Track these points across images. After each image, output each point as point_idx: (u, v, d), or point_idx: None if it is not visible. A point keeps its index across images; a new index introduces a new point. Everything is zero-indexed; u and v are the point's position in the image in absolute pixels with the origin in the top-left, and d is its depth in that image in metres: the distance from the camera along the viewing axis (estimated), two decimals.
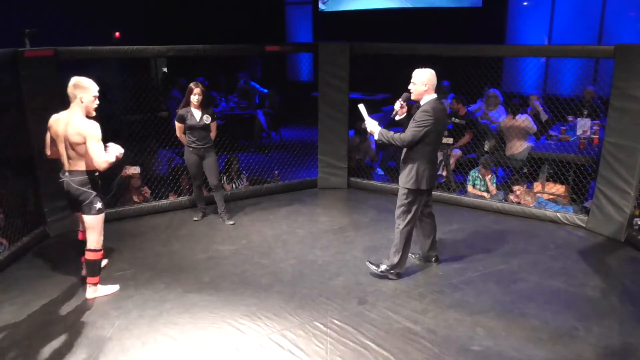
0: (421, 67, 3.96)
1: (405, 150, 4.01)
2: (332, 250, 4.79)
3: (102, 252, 3.91)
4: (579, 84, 7.54)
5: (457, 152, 6.66)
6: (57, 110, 4.08)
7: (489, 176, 6.07)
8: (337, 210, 5.91)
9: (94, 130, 3.64)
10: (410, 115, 4.07)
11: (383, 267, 4.21)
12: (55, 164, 4.94)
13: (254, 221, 5.54)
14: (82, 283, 4.17)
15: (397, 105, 4.05)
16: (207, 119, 5.19)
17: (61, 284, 4.16)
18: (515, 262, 4.53)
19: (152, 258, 4.65)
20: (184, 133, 5.29)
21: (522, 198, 5.73)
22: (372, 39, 8.17)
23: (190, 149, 5.26)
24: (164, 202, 5.85)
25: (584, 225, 5.27)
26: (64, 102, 5.04)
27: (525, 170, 6.18)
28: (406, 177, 4.00)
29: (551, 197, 5.93)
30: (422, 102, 3.93)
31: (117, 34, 9.59)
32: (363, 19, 10.64)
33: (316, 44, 6.44)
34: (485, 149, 6.66)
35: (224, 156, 6.52)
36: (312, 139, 6.83)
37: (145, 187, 5.97)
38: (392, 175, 6.83)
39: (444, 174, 6.58)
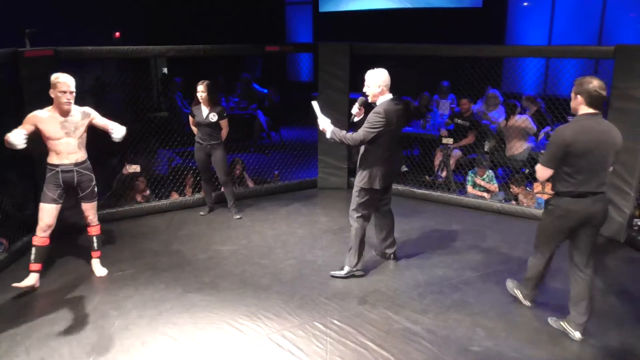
0: (376, 67, 3.94)
1: (361, 150, 4.04)
2: (332, 250, 4.79)
3: (36, 237, 4.00)
4: None
5: (457, 153, 6.66)
6: None
7: (484, 175, 6.08)
8: (337, 210, 5.91)
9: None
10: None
11: (346, 269, 4.23)
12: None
13: (254, 221, 5.54)
14: (81, 283, 4.18)
15: (355, 108, 4.10)
16: (213, 117, 5.26)
17: (61, 284, 4.16)
18: (515, 263, 4.53)
19: (152, 258, 4.65)
20: None
21: (522, 200, 5.73)
22: (372, 39, 8.18)
23: (198, 145, 5.39)
24: (164, 202, 5.85)
25: None
26: None
27: (526, 170, 6.17)
28: (360, 177, 4.03)
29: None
30: (377, 103, 3.92)
31: (117, 34, 9.58)
32: (363, 19, 10.64)
33: (316, 44, 6.45)
34: (485, 150, 6.67)
35: (229, 158, 6.51)
36: (312, 139, 6.84)
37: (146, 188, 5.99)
38: None
39: (444, 174, 6.58)
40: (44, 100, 4.57)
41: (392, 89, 3.97)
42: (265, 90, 9.42)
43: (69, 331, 3.50)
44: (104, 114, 4.26)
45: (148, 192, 5.95)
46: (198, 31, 9.68)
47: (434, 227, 5.34)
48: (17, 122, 4.73)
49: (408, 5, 10.21)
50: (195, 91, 5.30)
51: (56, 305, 3.84)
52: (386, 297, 3.96)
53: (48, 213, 3.96)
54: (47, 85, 3.88)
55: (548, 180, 3.41)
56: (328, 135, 4.02)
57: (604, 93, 3.17)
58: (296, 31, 12.37)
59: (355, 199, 4.12)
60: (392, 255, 4.51)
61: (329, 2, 11.40)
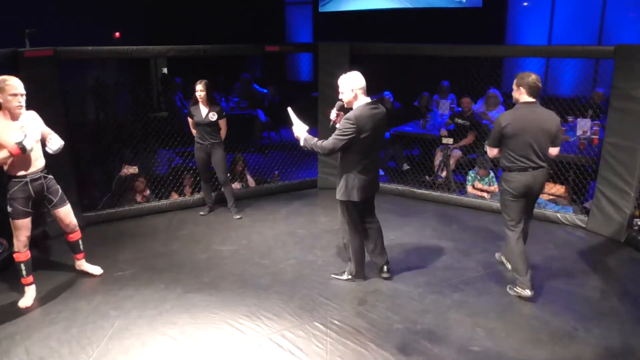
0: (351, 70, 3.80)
1: (338, 159, 3.89)
2: (332, 250, 4.79)
3: (19, 253, 3.81)
4: (579, 84, 7.54)
5: (457, 153, 6.66)
6: (57, 110, 4.07)
7: (485, 176, 6.08)
8: (337, 210, 5.86)
9: None
10: None
11: (346, 276, 4.19)
12: (57, 165, 4.92)
13: (254, 221, 5.54)
14: (81, 283, 4.18)
15: (333, 114, 3.94)
16: (212, 117, 5.27)
17: (61, 284, 4.16)
18: None
19: (152, 258, 4.65)
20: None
21: None
22: (372, 39, 8.18)
23: (198, 145, 5.38)
24: (164, 202, 5.85)
25: (584, 225, 5.27)
26: (64, 102, 5.05)
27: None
28: (338, 188, 3.89)
29: (551, 197, 5.92)
30: (354, 108, 3.74)
31: (117, 34, 9.57)
32: (363, 19, 10.62)
33: (316, 44, 6.45)
34: (485, 150, 6.66)
35: (230, 157, 6.50)
36: None
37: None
38: (392, 175, 6.83)
39: (444, 174, 6.58)
40: (44, 101, 4.57)
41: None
42: (266, 90, 9.42)
43: (69, 331, 3.50)
44: (106, 114, 4.25)
45: (148, 192, 5.96)
46: (198, 31, 9.67)
47: (434, 227, 5.34)
48: None
49: (408, 5, 10.20)
50: (194, 91, 5.30)
51: (56, 305, 3.85)
52: (386, 297, 3.95)
53: (25, 227, 3.78)
54: (47, 85, 3.85)
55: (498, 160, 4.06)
56: (301, 143, 3.86)
57: (540, 84, 3.79)
58: (296, 31, 12.36)
59: (339, 212, 4.01)
60: (384, 267, 4.17)
61: (329, 2, 11.39)
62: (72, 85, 4.15)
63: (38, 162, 3.81)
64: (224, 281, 4.22)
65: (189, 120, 5.44)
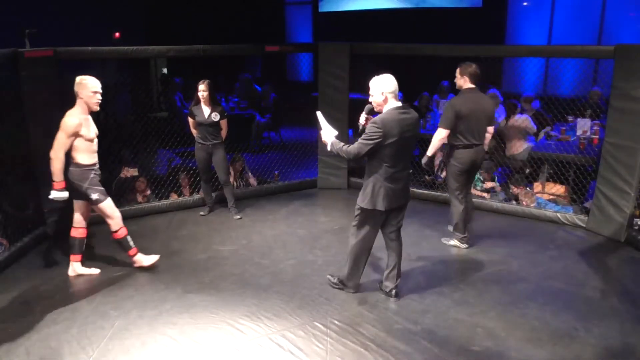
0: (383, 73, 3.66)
1: (365, 166, 3.71)
2: (332, 250, 4.79)
3: (118, 231, 4.22)
4: (579, 84, 7.54)
5: None
6: (56, 110, 4.07)
7: (489, 178, 6.09)
8: (337, 210, 5.91)
9: (64, 122, 3.85)
10: None
11: (337, 279, 4.07)
12: None
13: (254, 221, 5.54)
14: (81, 283, 4.18)
15: (362, 118, 3.85)
16: (215, 117, 5.28)
17: (61, 285, 4.16)
18: (515, 263, 4.53)
19: None
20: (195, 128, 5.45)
21: (522, 200, 5.73)
22: (372, 39, 8.18)
23: (199, 145, 5.37)
24: (164, 202, 5.85)
25: (584, 225, 5.27)
26: (63, 102, 5.04)
27: (528, 170, 6.17)
28: (361, 195, 3.68)
29: (551, 197, 5.92)
30: (383, 112, 3.59)
31: (117, 34, 9.58)
32: (363, 19, 10.64)
33: (316, 44, 6.45)
34: (485, 150, 6.64)
35: (229, 156, 6.50)
36: (312, 139, 6.83)
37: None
38: None
39: (444, 174, 6.58)
40: (44, 101, 4.56)
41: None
42: (260, 89, 9.39)
43: (69, 331, 3.50)
44: (106, 114, 4.27)
45: (149, 192, 5.95)
46: (198, 31, 9.68)
47: (433, 227, 5.34)
48: (17, 123, 4.76)
49: (408, 5, 10.21)
50: (195, 91, 5.30)
51: (56, 305, 3.84)
52: (386, 297, 3.95)
53: (113, 205, 4.17)
54: (47, 85, 3.87)
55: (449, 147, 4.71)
56: (328, 147, 3.76)
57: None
58: (296, 31, 12.37)
59: (354, 218, 3.79)
60: (392, 292, 3.91)
61: (329, 2, 11.40)
62: (72, 85, 4.16)
63: (96, 155, 4.16)
64: (224, 281, 4.22)
65: (190, 120, 5.42)
